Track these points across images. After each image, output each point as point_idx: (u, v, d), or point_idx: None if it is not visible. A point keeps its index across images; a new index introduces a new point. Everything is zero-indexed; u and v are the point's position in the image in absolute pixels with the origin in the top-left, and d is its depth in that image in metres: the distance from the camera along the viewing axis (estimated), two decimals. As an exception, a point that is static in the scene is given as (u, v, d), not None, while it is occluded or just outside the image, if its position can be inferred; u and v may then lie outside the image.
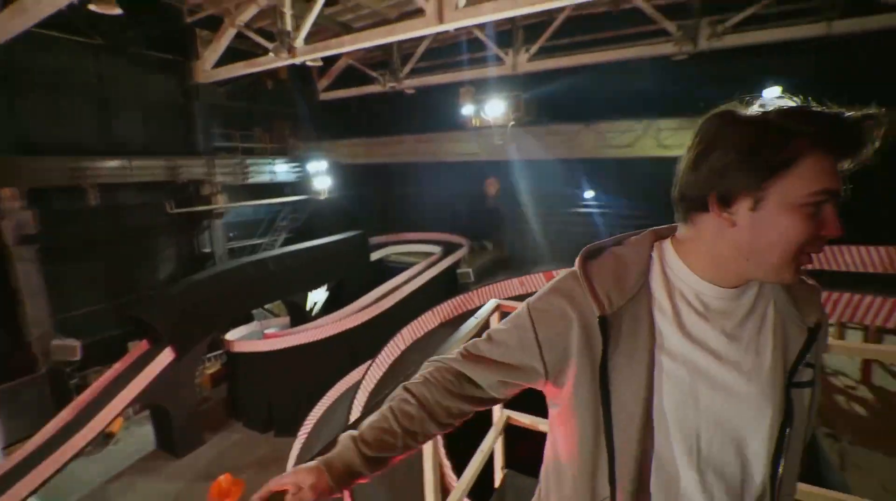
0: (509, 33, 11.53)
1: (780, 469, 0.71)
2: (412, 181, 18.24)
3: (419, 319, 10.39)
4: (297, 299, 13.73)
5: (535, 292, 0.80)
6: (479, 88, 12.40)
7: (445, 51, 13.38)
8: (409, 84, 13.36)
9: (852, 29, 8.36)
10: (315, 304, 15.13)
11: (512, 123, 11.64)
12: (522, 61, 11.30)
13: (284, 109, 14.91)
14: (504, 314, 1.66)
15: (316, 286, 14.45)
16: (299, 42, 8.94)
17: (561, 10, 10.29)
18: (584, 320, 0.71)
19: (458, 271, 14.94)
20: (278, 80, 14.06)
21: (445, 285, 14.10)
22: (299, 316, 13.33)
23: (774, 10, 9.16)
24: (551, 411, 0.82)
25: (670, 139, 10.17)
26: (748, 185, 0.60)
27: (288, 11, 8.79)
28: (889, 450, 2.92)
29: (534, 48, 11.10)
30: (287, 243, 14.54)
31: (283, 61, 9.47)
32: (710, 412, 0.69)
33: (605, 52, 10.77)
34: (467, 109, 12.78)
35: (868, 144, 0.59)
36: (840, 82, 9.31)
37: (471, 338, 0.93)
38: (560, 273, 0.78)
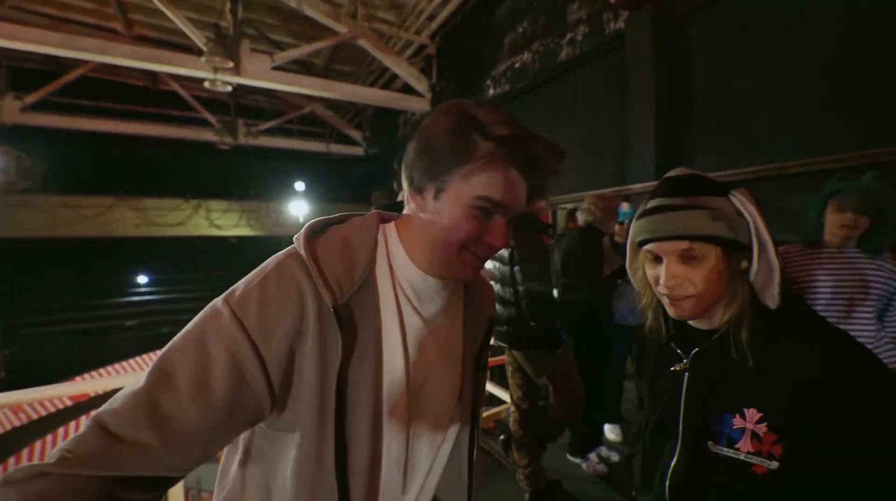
0: (-15, 69, 8.43)
1: (475, 444, 0.75)
2: None
3: None
4: None
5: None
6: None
7: None
8: None
9: (340, 151, 12.17)
10: None
11: (-7, 186, 8.29)
12: (11, 109, 8.42)
13: None
14: None
15: None
16: None
17: (76, 64, 8.66)
18: (316, 313, 0.56)
19: None
20: None
21: None
22: None
23: (298, 127, 11.90)
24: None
25: (221, 220, 10.53)
26: (433, 172, 0.59)
27: None
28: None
29: (32, 98, 8.62)
30: None
31: None
32: (421, 409, 0.65)
33: (141, 126, 9.90)
34: None
35: (546, 168, 0.60)
36: (335, 185, 13.71)
37: None
38: (269, 261, 0.61)
